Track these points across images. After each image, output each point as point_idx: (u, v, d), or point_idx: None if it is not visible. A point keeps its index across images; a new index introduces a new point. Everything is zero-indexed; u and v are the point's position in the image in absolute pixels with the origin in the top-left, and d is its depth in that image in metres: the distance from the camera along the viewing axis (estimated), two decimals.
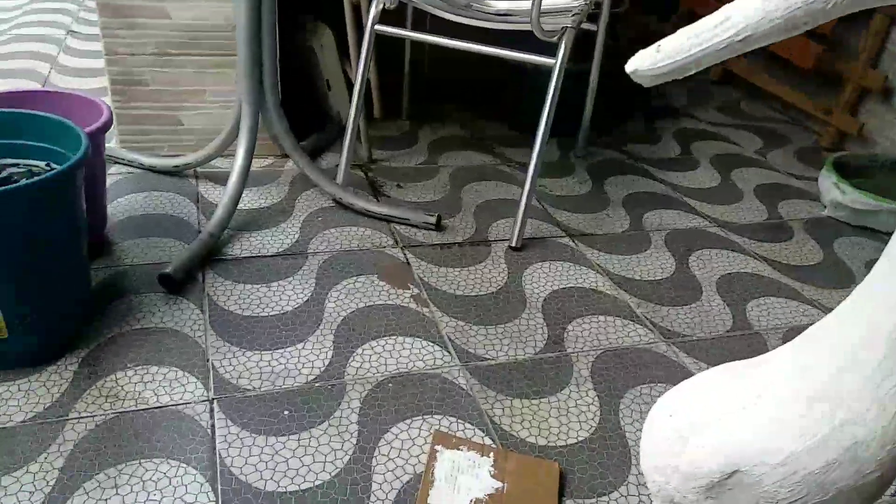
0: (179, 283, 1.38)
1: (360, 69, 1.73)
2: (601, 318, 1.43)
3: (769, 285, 1.59)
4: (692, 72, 0.63)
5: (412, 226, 1.67)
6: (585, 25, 1.78)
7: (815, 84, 2.38)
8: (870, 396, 0.45)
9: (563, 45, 1.58)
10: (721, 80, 2.79)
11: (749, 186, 2.02)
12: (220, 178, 1.77)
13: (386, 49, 1.99)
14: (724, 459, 0.50)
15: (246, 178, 1.61)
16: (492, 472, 1.03)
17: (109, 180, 1.70)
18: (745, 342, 1.40)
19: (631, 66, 0.65)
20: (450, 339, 1.33)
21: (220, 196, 1.63)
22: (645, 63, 0.63)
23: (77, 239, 1.21)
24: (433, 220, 1.66)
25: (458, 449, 1.07)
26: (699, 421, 0.53)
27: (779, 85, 2.48)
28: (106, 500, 0.97)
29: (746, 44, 0.60)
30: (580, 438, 1.14)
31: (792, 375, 0.50)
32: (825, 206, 1.91)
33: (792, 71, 2.41)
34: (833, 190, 1.87)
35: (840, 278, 1.65)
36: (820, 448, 0.46)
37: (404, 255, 1.57)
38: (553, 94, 1.60)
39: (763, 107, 2.61)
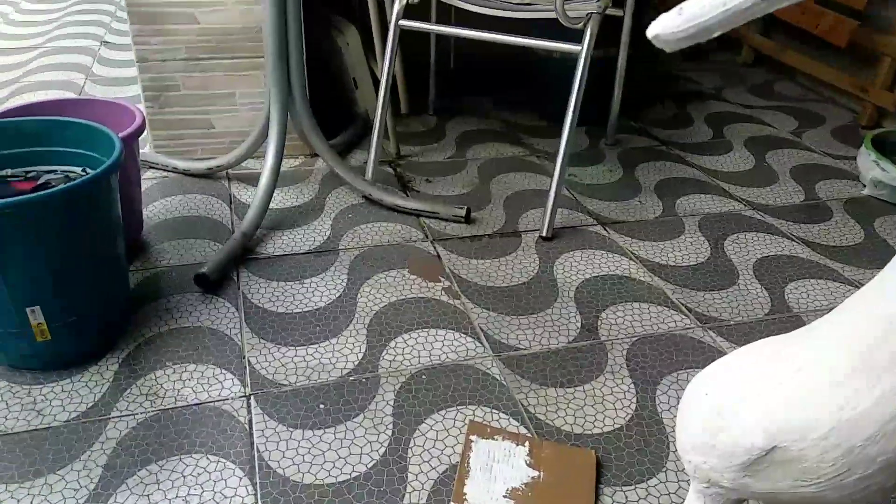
0: (215, 283, 1.40)
1: (386, 65, 1.74)
2: (635, 305, 1.41)
3: (808, 267, 1.55)
4: (716, 34, 0.61)
5: (442, 219, 1.67)
6: (611, 11, 1.76)
7: (850, 61, 2.31)
8: None
9: (588, 32, 1.57)
10: (752, 62, 2.74)
11: (785, 168, 1.98)
12: (252, 179, 1.79)
13: (411, 44, 2.00)
14: (764, 435, 0.49)
15: (276, 178, 1.63)
16: (528, 461, 1.03)
17: (145, 185, 1.74)
18: (784, 326, 1.37)
19: (652, 31, 0.63)
20: (482, 330, 1.32)
21: (252, 197, 1.65)
22: (667, 27, 0.61)
23: (114, 242, 1.23)
24: (463, 212, 1.66)
25: (494, 438, 1.07)
26: (737, 398, 0.52)
27: (813, 64, 2.42)
28: (148, 495, 0.99)
29: (771, 3, 0.59)
30: (616, 426, 1.13)
31: (830, 348, 0.48)
32: (865, 185, 1.86)
33: (825, 49, 2.35)
34: (873, 168, 1.82)
35: (883, 258, 1.60)
36: (861, 421, 0.45)
37: (434, 248, 1.57)
38: (580, 82, 1.58)
39: (797, 87, 2.55)
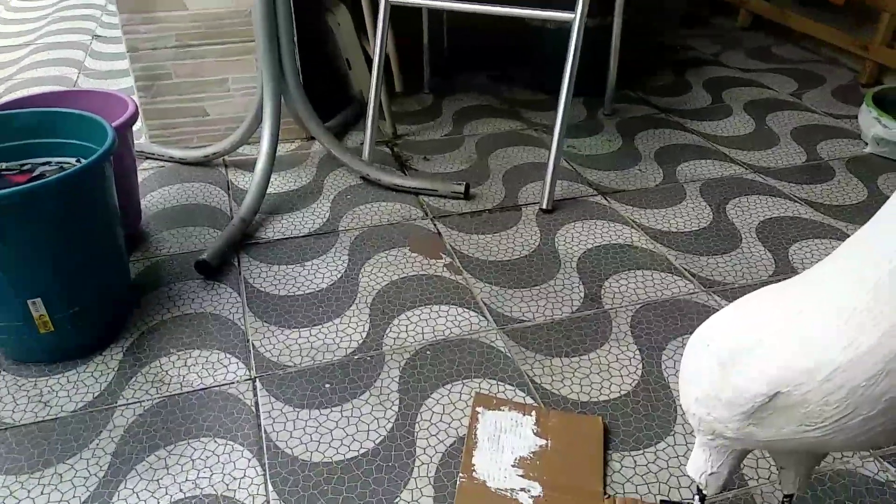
0: (216, 269, 1.40)
1: (378, 43, 1.72)
2: (638, 272, 1.40)
3: (812, 227, 1.53)
4: None
5: (441, 196, 1.66)
6: None
7: (849, 19, 2.28)
8: None
9: None
10: (750, 26, 2.70)
11: (785, 130, 1.96)
12: (249, 165, 1.78)
13: (404, 24, 1.98)
14: (767, 382, 0.48)
15: (273, 162, 1.62)
16: (535, 430, 1.03)
17: (142, 175, 1.73)
18: None
19: None
20: (485, 304, 1.32)
21: (249, 182, 1.64)
22: None
23: (112, 231, 1.23)
24: (461, 189, 1.65)
25: (500, 409, 1.07)
26: (738, 346, 0.52)
27: (811, 24, 2.38)
28: (158, 480, 0.99)
29: None
30: (623, 392, 1.12)
31: (831, 289, 0.48)
32: (867, 143, 1.84)
33: (824, 9, 2.32)
34: (875, 125, 1.80)
35: None
36: (864, 360, 0.44)
37: (435, 225, 1.56)
38: (574, 51, 1.56)
39: (796, 49, 2.52)
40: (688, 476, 0.60)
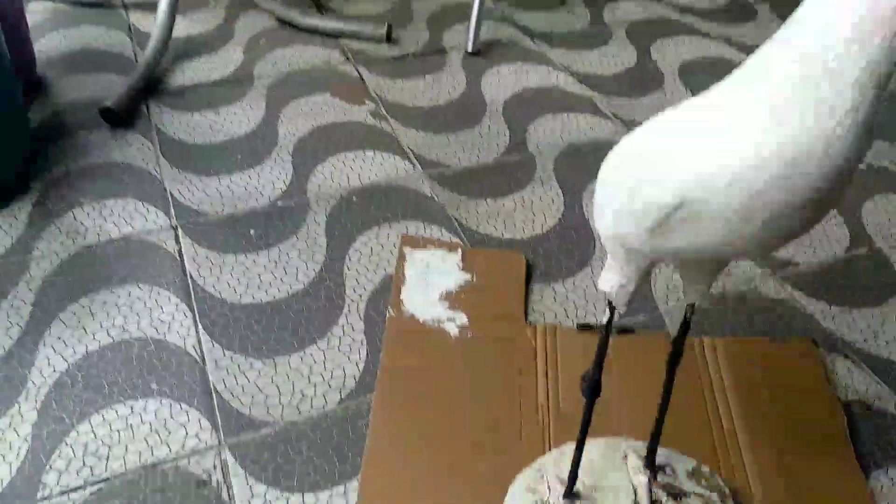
0: (123, 117, 1.32)
1: None
2: (564, 115, 1.40)
3: (732, 67, 1.55)
4: None
5: (362, 39, 1.59)
6: None
7: None
8: (812, 112, 0.45)
9: None
10: None
11: None
12: (152, 6, 1.64)
13: None
14: (672, 192, 0.50)
15: (177, 3, 1.50)
16: (460, 266, 1.06)
17: (32, 18, 1.58)
18: None
19: None
20: (411, 150, 1.31)
21: (153, 25, 1.52)
22: None
23: (3, 75, 1.13)
24: (384, 31, 1.58)
25: (427, 248, 1.09)
26: (647, 160, 0.53)
27: None
28: (84, 326, 0.98)
29: None
30: (545, 230, 1.16)
31: (735, 100, 0.49)
32: None
33: None
34: None
35: None
36: (762, 167, 0.46)
37: (357, 70, 1.50)
38: None
39: None
40: (600, 290, 0.63)
